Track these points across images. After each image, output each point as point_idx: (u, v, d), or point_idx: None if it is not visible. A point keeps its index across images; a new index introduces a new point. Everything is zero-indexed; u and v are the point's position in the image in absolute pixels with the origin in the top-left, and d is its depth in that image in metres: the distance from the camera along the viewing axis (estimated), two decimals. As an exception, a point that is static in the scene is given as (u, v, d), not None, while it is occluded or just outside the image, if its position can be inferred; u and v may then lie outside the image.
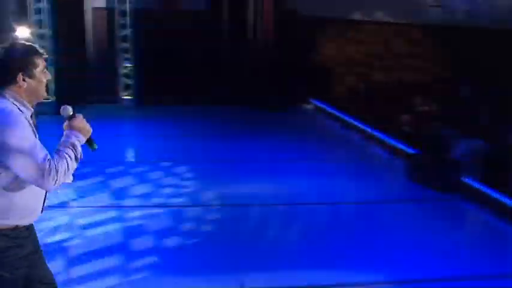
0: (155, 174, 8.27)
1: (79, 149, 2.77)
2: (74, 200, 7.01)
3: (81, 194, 7.19)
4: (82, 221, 6.25)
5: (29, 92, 2.78)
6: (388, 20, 12.39)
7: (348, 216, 6.92)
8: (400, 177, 8.33)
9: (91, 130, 2.88)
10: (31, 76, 2.77)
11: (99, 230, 6.06)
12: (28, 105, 2.80)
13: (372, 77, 13.01)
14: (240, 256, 5.50)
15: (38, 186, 2.68)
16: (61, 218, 6.38)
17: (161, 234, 6.02)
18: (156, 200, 7.15)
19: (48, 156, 2.63)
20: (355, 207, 7.26)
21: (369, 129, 10.92)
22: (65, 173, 2.65)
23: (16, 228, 2.76)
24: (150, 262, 5.34)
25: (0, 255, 2.71)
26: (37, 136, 2.78)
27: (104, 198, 7.16)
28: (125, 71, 13.56)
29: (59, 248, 5.53)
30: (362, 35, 13.31)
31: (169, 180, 8.06)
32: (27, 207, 2.79)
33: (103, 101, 14.24)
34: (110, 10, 13.78)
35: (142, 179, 8.03)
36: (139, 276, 5.07)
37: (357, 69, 13.53)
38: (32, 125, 2.78)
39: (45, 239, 5.59)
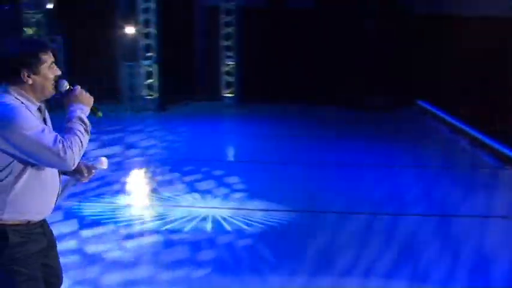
0: (245, 175, 8.15)
1: (86, 121, 2.73)
2: (169, 197, 7.06)
3: (178, 192, 7.23)
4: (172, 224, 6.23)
5: (34, 88, 2.70)
6: (505, 15, 11.49)
7: (452, 230, 6.39)
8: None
9: (92, 98, 2.81)
10: (36, 72, 2.68)
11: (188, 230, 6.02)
12: (33, 100, 2.72)
13: (486, 78, 12.14)
14: (327, 267, 5.23)
15: (58, 168, 2.74)
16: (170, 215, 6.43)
17: (252, 237, 5.87)
18: (248, 202, 7.00)
19: (59, 137, 2.59)
20: (460, 220, 6.71)
21: (479, 135, 10.17)
22: (79, 149, 2.64)
23: (28, 223, 2.73)
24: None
25: (13, 250, 2.67)
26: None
27: (192, 198, 7.12)
28: (226, 68, 13.61)
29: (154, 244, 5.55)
30: (477, 33, 12.47)
31: (261, 182, 7.89)
32: (39, 203, 2.76)
33: (205, 99, 14.43)
34: (214, 8, 13.87)
35: (232, 178, 7.91)
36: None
37: (470, 69, 12.69)
38: (39, 118, 2.74)
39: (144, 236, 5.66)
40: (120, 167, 8.38)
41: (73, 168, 2.68)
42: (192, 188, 7.39)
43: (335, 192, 7.50)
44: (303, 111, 12.85)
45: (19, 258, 2.67)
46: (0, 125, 2.57)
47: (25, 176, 2.67)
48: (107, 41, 13.50)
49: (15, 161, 2.64)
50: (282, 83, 13.23)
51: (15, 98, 2.66)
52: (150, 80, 13.29)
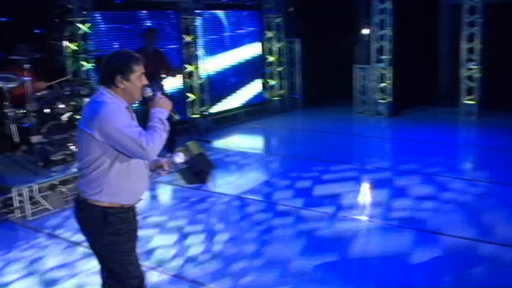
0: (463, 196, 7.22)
1: (165, 121, 3.30)
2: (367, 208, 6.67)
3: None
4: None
5: (124, 92, 3.32)
6: None
7: None
8: None
9: (171, 104, 3.39)
10: (128, 79, 3.30)
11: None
12: (123, 101, 3.32)
13: None
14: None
15: (140, 158, 3.27)
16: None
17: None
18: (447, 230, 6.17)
19: (143, 132, 3.18)
20: None
21: None
22: (159, 144, 3.20)
23: (122, 207, 3.37)
24: None
25: (111, 228, 3.31)
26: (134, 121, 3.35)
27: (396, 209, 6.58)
28: (468, 73, 12.35)
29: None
30: None
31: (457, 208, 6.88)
32: (129, 189, 3.36)
33: (443, 105, 13.41)
34: (456, 6, 12.71)
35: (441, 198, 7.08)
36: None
37: None
38: (130, 113, 3.33)
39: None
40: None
41: (153, 158, 3.29)
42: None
43: None
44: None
45: (116, 233, 3.33)
46: (97, 118, 3.16)
47: (117, 165, 3.27)
48: (342, 43, 13.42)
49: (108, 152, 3.22)
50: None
51: (109, 97, 3.28)
52: (384, 84, 12.83)
